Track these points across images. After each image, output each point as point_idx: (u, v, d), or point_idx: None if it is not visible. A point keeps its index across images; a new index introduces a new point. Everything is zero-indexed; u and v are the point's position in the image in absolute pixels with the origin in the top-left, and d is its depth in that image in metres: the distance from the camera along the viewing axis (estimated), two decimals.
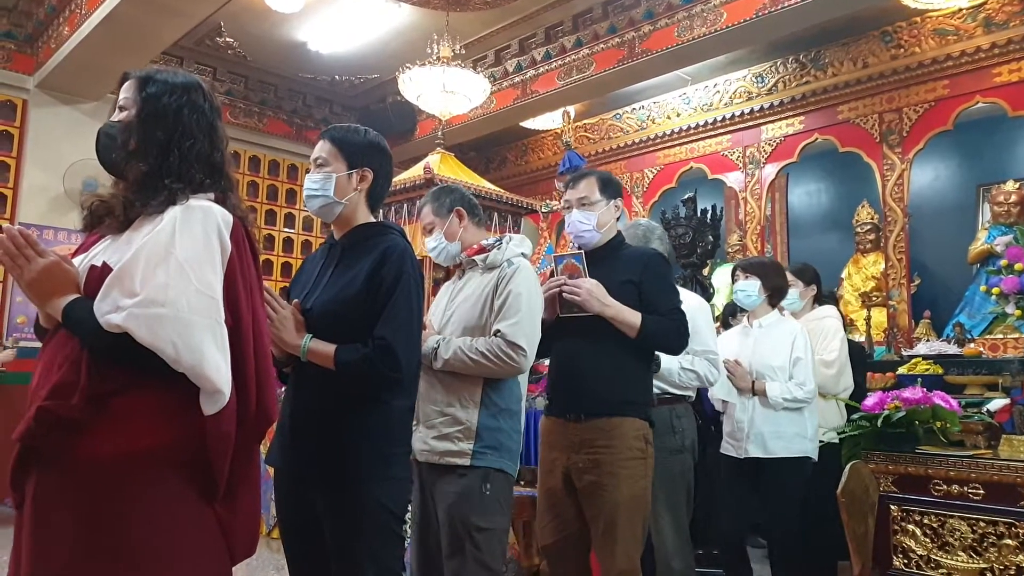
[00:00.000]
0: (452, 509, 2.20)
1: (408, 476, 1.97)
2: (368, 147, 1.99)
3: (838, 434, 2.60)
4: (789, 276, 3.56)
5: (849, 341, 3.61)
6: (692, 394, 2.96)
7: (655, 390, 2.73)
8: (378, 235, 1.95)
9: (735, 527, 3.23)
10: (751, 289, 3.25)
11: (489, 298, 2.29)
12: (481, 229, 2.50)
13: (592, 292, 2.33)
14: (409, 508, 2.12)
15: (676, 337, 2.44)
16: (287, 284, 2.10)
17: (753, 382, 3.12)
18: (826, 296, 3.76)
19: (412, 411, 1.98)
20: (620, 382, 2.40)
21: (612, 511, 2.31)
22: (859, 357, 3.77)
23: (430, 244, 2.44)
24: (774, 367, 3.11)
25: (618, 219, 2.62)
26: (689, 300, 2.87)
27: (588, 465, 2.35)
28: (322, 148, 1.97)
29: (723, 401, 3.25)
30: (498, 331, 2.21)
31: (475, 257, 2.40)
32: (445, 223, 2.43)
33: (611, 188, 2.58)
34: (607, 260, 2.51)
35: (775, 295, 3.30)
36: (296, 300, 1.92)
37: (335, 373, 1.81)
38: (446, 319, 2.37)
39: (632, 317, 2.35)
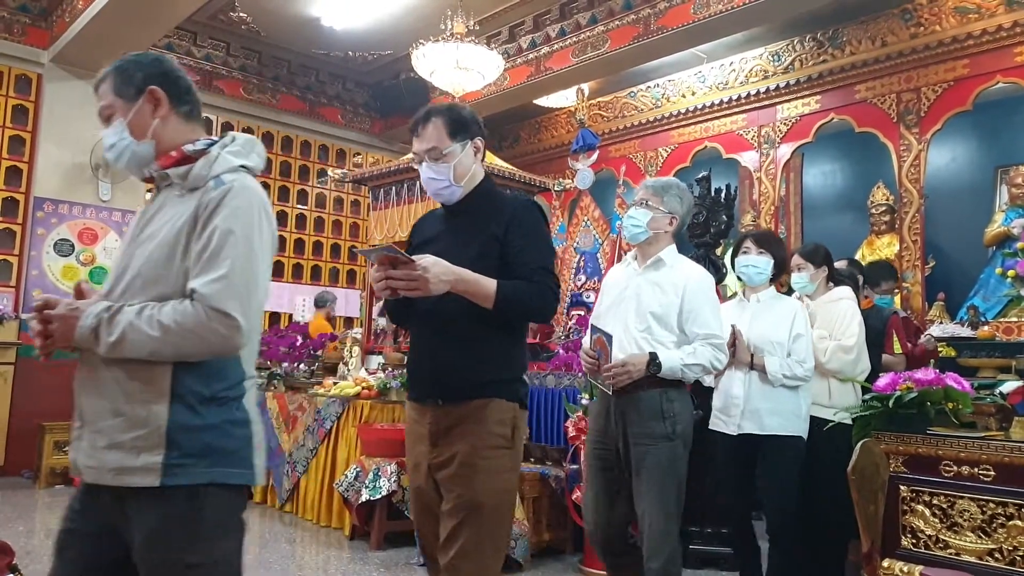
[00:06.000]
0: (150, 549, 1.46)
1: None
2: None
3: (851, 415, 2.59)
4: (799, 258, 3.53)
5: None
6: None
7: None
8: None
9: (737, 505, 3.22)
10: (764, 266, 3.15)
11: (184, 237, 1.51)
12: (193, 125, 1.66)
13: (431, 276, 1.87)
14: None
15: (540, 304, 2.03)
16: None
17: (752, 356, 3.05)
18: (844, 276, 3.72)
19: None
20: (481, 360, 2.03)
21: (462, 510, 1.96)
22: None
23: (108, 140, 1.63)
24: (773, 342, 3.04)
25: (482, 160, 2.18)
26: (691, 274, 2.71)
27: (444, 459, 2.02)
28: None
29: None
30: (193, 291, 1.45)
31: (169, 170, 1.59)
32: (131, 108, 1.61)
33: (464, 128, 2.09)
34: (471, 213, 2.12)
35: (777, 271, 3.24)
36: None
37: None
38: (121, 270, 1.57)
39: (486, 287, 1.95)
